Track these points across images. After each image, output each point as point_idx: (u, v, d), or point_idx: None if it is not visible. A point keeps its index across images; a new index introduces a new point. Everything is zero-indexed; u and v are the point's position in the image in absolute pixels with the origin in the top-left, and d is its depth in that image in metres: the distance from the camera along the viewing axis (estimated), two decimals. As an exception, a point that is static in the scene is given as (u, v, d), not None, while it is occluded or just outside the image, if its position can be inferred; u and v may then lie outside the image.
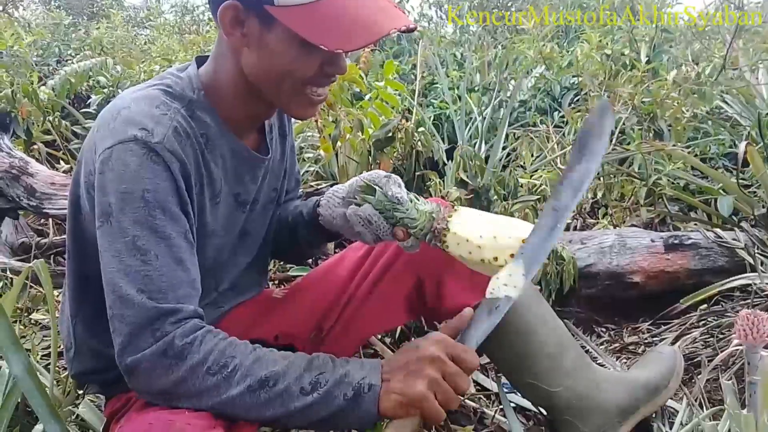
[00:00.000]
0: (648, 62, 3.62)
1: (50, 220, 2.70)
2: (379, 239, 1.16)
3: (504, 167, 2.86)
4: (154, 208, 0.96)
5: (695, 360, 1.73)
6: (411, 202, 1.12)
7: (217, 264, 1.21)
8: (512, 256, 1.03)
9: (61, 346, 1.29)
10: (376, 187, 1.12)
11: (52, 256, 2.48)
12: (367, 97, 2.20)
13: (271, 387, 0.93)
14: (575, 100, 3.62)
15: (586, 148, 1.03)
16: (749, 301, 1.89)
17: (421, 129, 2.19)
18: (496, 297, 0.99)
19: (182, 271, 0.98)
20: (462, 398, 0.97)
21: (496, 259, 1.05)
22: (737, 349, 1.01)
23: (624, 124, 2.93)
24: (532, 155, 2.93)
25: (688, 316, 1.98)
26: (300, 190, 1.48)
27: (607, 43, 3.94)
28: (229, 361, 0.93)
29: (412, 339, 1.01)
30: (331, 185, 2.42)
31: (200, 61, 1.13)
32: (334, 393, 0.93)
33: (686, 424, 1.35)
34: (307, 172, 2.74)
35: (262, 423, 0.98)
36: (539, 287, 1.87)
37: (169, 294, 0.95)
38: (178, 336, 0.93)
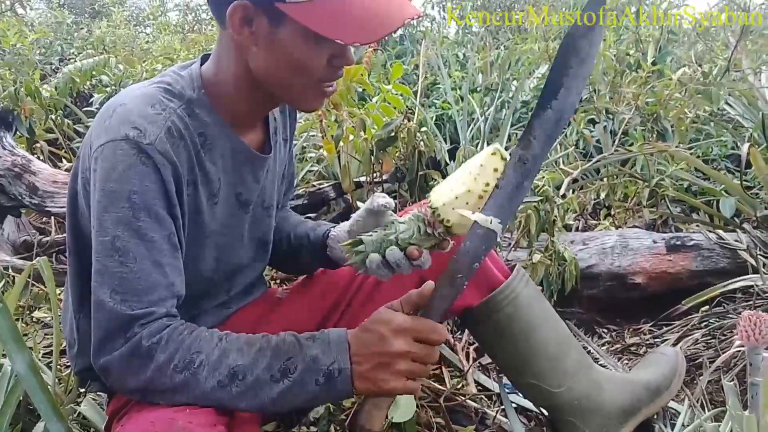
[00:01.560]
0: (653, 63, 3.61)
1: (52, 218, 2.71)
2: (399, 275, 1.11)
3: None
4: (139, 210, 0.96)
5: (697, 361, 1.73)
6: (392, 223, 1.08)
7: (237, 269, 1.22)
8: (495, 170, 0.97)
9: (64, 344, 1.29)
10: (364, 237, 1.08)
11: (54, 254, 2.48)
12: (374, 99, 2.19)
13: (241, 380, 0.94)
14: (584, 99, 3.61)
15: (566, 76, 0.87)
16: (751, 302, 1.89)
17: (423, 129, 2.18)
18: (461, 265, 0.97)
19: (160, 274, 0.97)
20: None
21: (487, 184, 0.99)
22: (739, 351, 1.00)
23: (627, 124, 2.93)
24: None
25: (689, 317, 1.98)
26: (293, 192, 1.48)
27: (610, 45, 3.93)
28: (195, 357, 0.94)
29: (377, 312, 1.01)
30: (333, 185, 2.44)
31: (205, 59, 1.13)
32: (305, 379, 0.95)
33: (688, 426, 1.35)
34: (309, 172, 2.74)
35: (240, 412, 0.99)
36: (541, 288, 1.87)
37: (144, 297, 0.95)
38: (145, 337, 0.94)
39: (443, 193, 1.04)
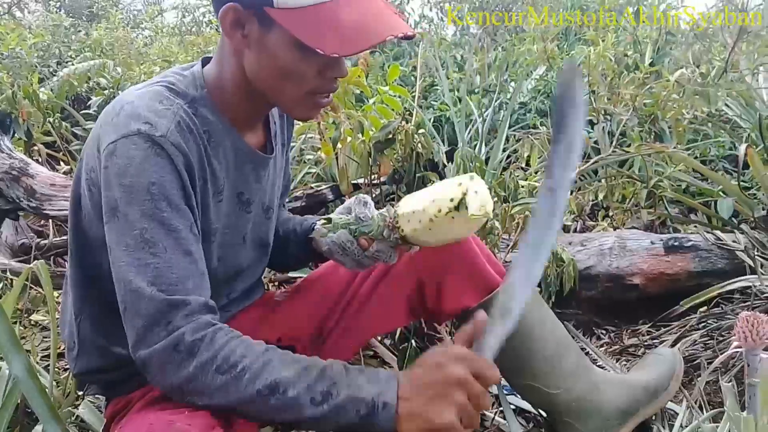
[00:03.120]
0: (651, 64, 3.62)
1: (50, 221, 2.70)
2: (360, 265, 1.21)
3: (504, 169, 2.86)
4: (160, 201, 0.96)
5: (695, 362, 1.73)
6: (363, 216, 1.21)
7: (238, 271, 1.22)
8: (451, 200, 1.05)
9: (61, 347, 1.29)
10: (334, 216, 1.23)
11: (52, 258, 2.48)
12: (371, 101, 2.20)
13: (281, 393, 0.90)
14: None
15: (565, 117, 0.92)
16: (749, 303, 1.89)
17: (421, 131, 2.18)
18: (510, 299, 0.92)
19: (191, 263, 0.98)
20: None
21: (440, 210, 1.06)
22: (737, 352, 1.01)
23: (625, 125, 2.93)
24: (536, 156, 2.93)
25: (687, 318, 1.98)
26: (287, 196, 1.49)
27: (608, 46, 3.93)
28: (239, 361, 0.92)
29: (430, 349, 0.98)
30: (331, 187, 2.44)
31: (206, 61, 1.13)
32: (347, 407, 0.90)
33: (686, 427, 1.35)
34: (307, 174, 2.74)
35: (277, 423, 0.98)
36: (539, 289, 1.87)
37: (180, 286, 0.95)
38: (189, 332, 0.92)
39: (407, 204, 1.16)
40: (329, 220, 1.24)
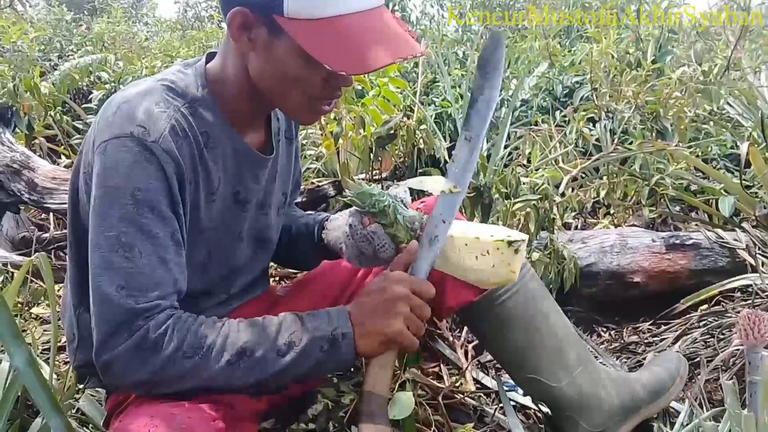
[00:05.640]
0: (653, 62, 3.61)
1: (51, 214, 2.70)
2: (361, 258, 1.19)
3: (505, 166, 2.86)
4: (143, 207, 0.96)
5: (695, 360, 1.73)
6: (402, 200, 1.19)
7: (235, 268, 1.22)
8: (508, 236, 1.08)
9: (62, 340, 1.29)
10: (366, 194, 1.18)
11: (53, 251, 2.48)
12: (370, 93, 2.19)
13: (249, 356, 0.97)
14: (585, 97, 3.60)
15: (485, 79, 1.11)
16: (750, 301, 1.89)
17: (423, 127, 2.18)
18: (435, 227, 1.10)
19: (165, 271, 0.98)
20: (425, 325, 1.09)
21: (491, 236, 1.09)
22: (738, 349, 1.01)
23: (627, 123, 2.92)
24: (537, 153, 2.93)
25: (688, 316, 1.98)
26: (299, 191, 1.48)
27: (611, 44, 3.92)
28: (203, 341, 0.96)
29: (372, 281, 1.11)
30: (333, 182, 2.44)
31: (210, 56, 1.13)
32: (310, 349, 0.99)
33: (687, 425, 1.35)
34: (308, 169, 2.74)
35: (247, 390, 1.01)
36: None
37: (150, 293, 0.96)
38: (152, 328, 0.94)
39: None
40: (370, 184, 1.22)
